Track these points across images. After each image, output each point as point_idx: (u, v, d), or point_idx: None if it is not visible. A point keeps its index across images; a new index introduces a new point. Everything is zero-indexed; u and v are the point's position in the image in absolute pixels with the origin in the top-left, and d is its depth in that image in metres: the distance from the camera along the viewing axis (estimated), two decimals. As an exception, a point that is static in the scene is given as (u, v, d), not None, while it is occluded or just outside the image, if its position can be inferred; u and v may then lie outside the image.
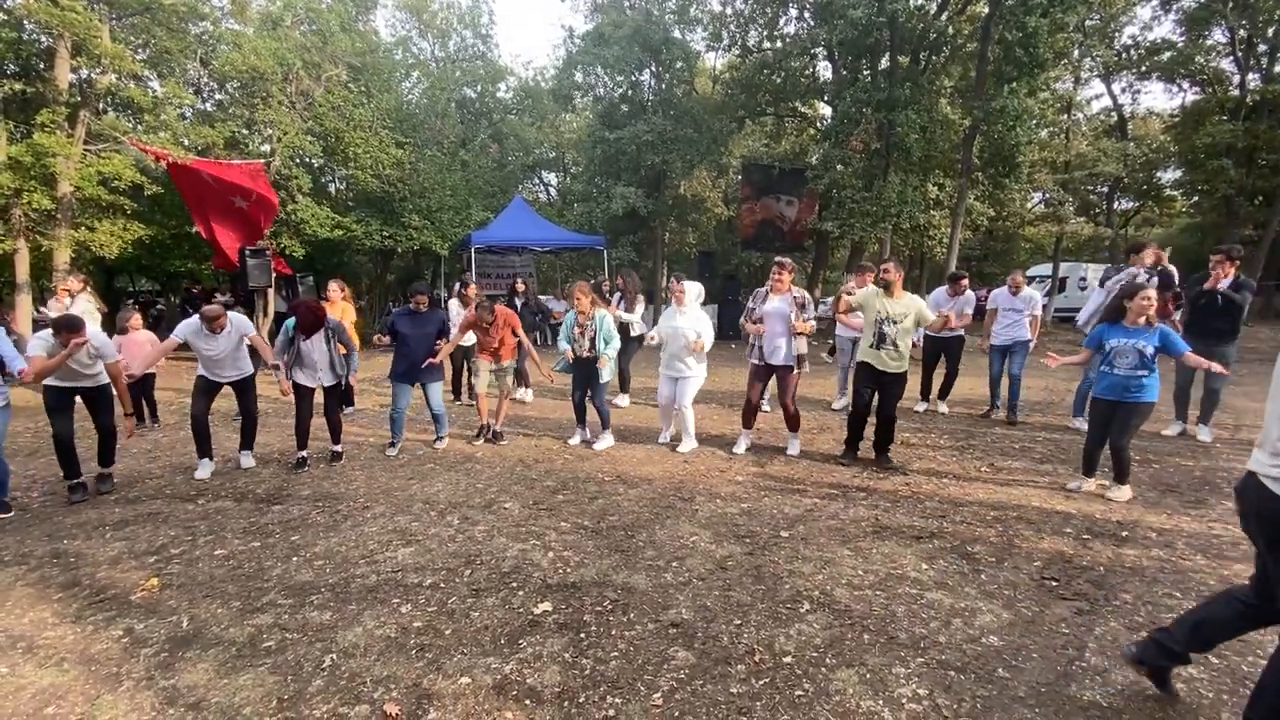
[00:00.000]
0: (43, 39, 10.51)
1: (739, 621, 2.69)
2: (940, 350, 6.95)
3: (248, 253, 9.75)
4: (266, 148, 12.67)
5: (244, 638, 2.61)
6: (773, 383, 5.34)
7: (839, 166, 13.23)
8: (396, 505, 4.15)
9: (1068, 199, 18.89)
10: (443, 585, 3.04)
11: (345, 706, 2.18)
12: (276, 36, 12.44)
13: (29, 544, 3.59)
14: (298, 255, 13.36)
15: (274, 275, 10.77)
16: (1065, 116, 19.01)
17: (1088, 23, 15.27)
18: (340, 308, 6.76)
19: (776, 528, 3.70)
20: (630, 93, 16.90)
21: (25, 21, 10.10)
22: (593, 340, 5.32)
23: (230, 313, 4.85)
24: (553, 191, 27.71)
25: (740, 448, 5.37)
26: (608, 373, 5.36)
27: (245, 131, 13.22)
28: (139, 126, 11.46)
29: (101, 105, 11.64)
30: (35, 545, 3.57)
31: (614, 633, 2.61)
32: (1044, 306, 17.60)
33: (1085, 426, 5.40)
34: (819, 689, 2.25)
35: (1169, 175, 20.51)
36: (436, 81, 19.96)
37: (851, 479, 4.64)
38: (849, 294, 5.41)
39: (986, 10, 11.91)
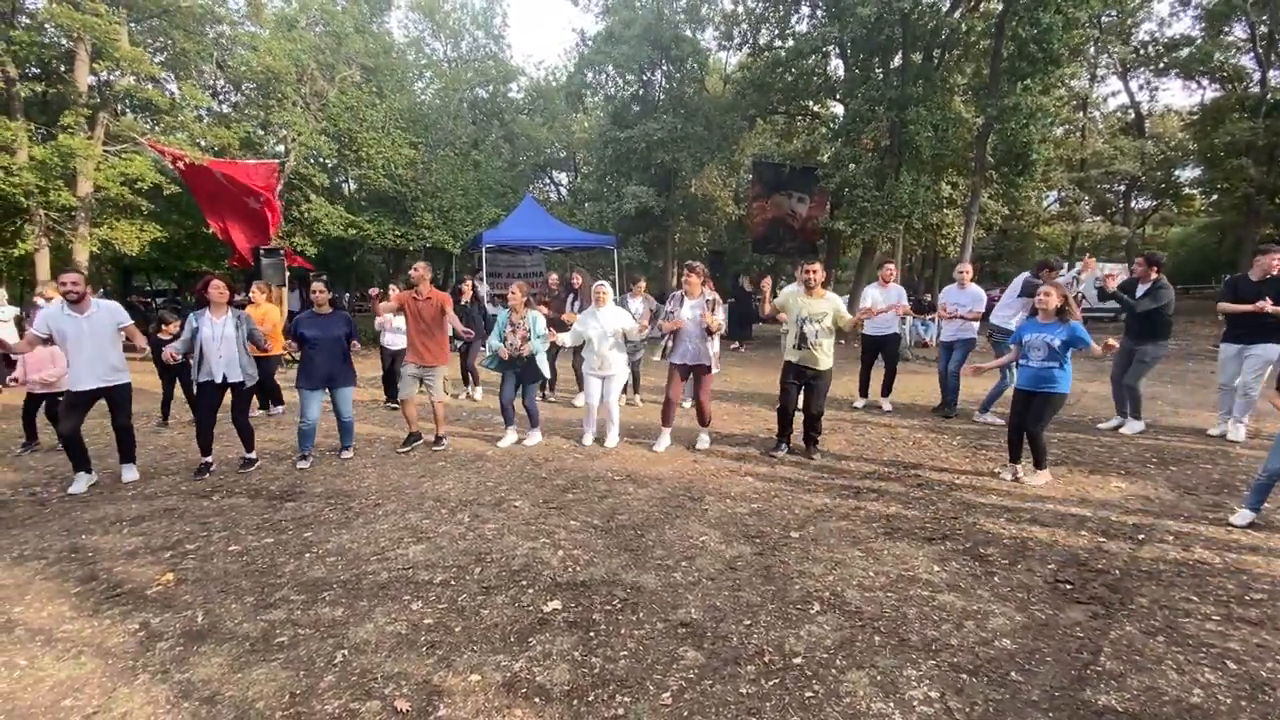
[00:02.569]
0: (63, 42, 10.69)
1: (749, 622, 2.68)
2: (877, 347, 7.06)
3: (262, 252, 9.86)
4: (281, 148, 12.81)
5: (257, 633, 2.64)
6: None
7: (850, 165, 13.14)
8: (408, 503, 4.18)
9: (1084, 197, 18.73)
10: (453, 583, 3.05)
11: (356, 702, 2.20)
12: (292, 38, 12.58)
13: (47, 539, 3.65)
14: (310, 254, 13.49)
15: (289, 273, 10.90)
16: (1081, 114, 18.82)
17: (1104, 19, 15.08)
18: (263, 310, 6.55)
19: (786, 528, 3.69)
20: (641, 92, 16.91)
21: (46, 25, 10.28)
22: (524, 340, 5.32)
23: (104, 301, 4.58)
24: (563, 191, 27.79)
25: (660, 445, 5.43)
26: (543, 363, 5.44)
27: (261, 132, 13.38)
28: (156, 127, 11.62)
29: (120, 107, 11.82)
30: (54, 540, 3.63)
31: (623, 632, 2.61)
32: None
33: (990, 420, 6.24)
34: (829, 690, 2.24)
35: (1187, 173, 20.24)
36: (449, 82, 20.09)
37: (862, 480, 4.61)
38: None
39: (1000, 6, 11.78)
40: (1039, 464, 4.47)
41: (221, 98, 14.73)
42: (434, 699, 2.21)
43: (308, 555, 3.38)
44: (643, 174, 16.29)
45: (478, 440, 5.79)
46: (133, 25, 10.91)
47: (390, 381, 7.30)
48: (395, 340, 6.90)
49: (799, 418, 5.30)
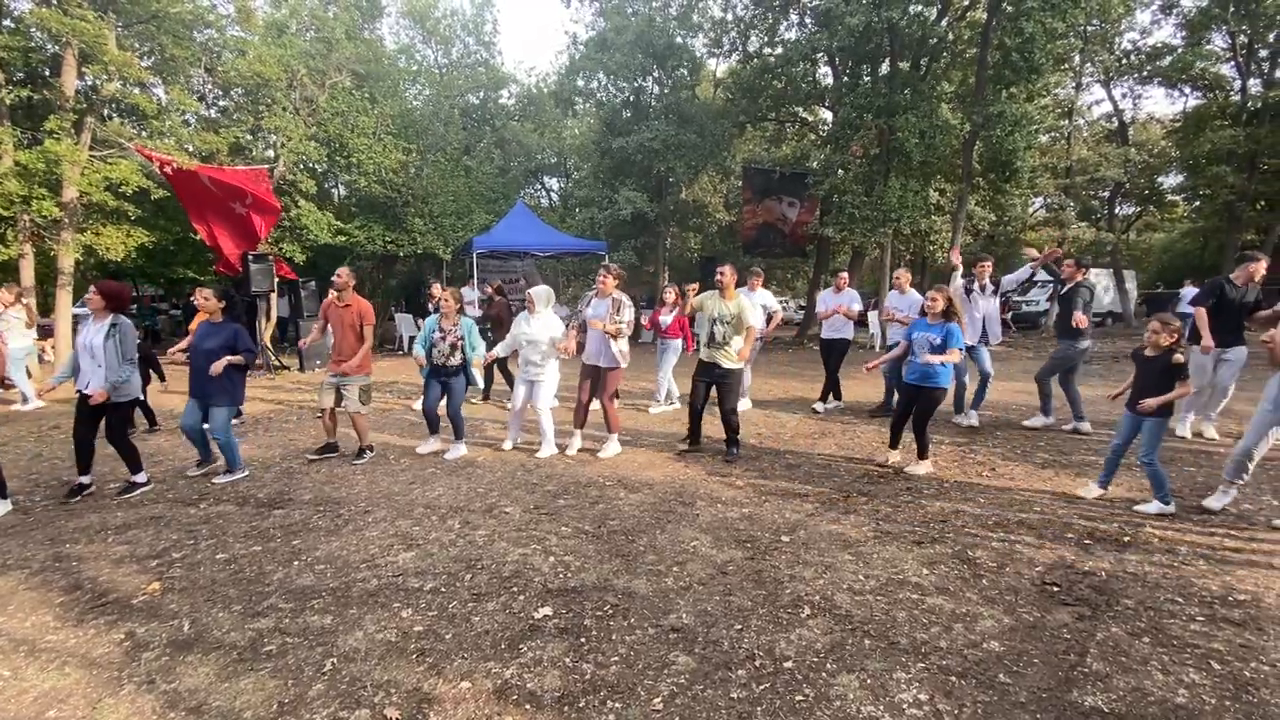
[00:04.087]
0: (50, 46, 10.61)
1: (740, 626, 2.69)
2: (831, 349, 7.29)
3: (250, 258, 9.79)
4: (271, 154, 12.75)
5: (245, 641, 2.61)
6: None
7: (840, 171, 13.27)
8: (398, 510, 4.16)
9: (1069, 204, 18.93)
10: (443, 590, 3.04)
11: (345, 710, 2.18)
12: (282, 44, 12.55)
13: (31, 548, 3.60)
14: (299, 261, 13.41)
15: (277, 279, 10.83)
16: (1066, 121, 19.07)
17: (1087, 28, 15.33)
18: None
19: (777, 532, 3.70)
20: (634, 98, 16.97)
21: (33, 29, 10.20)
22: (453, 347, 5.24)
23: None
24: (554, 197, 27.80)
25: (572, 448, 5.44)
26: (477, 375, 5.41)
27: (250, 138, 13.30)
28: (144, 132, 11.53)
29: (107, 111, 11.73)
30: (37, 549, 3.58)
31: (614, 637, 2.61)
32: (1047, 311, 17.78)
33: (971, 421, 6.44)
34: (820, 694, 2.25)
35: (1170, 180, 20.54)
36: (441, 88, 20.08)
37: (852, 483, 4.64)
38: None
39: (985, 16, 11.95)
40: (921, 454, 4.87)
41: (210, 103, 14.64)
42: (424, 707, 2.20)
43: (296, 563, 3.36)
44: (636, 180, 16.35)
45: (469, 446, 5.76)
46: (121, 30, 10.83)
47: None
48: None
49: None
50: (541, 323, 5.38)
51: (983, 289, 6.43)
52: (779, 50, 14.84)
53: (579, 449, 5.48)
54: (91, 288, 4.42)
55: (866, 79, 13.40)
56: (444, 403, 5.43)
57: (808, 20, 15.09)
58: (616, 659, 2.46)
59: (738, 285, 5.44)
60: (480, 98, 22.31)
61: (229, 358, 4.64)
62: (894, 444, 5.09)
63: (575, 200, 19.17)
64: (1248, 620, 2.69)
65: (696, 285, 5.85)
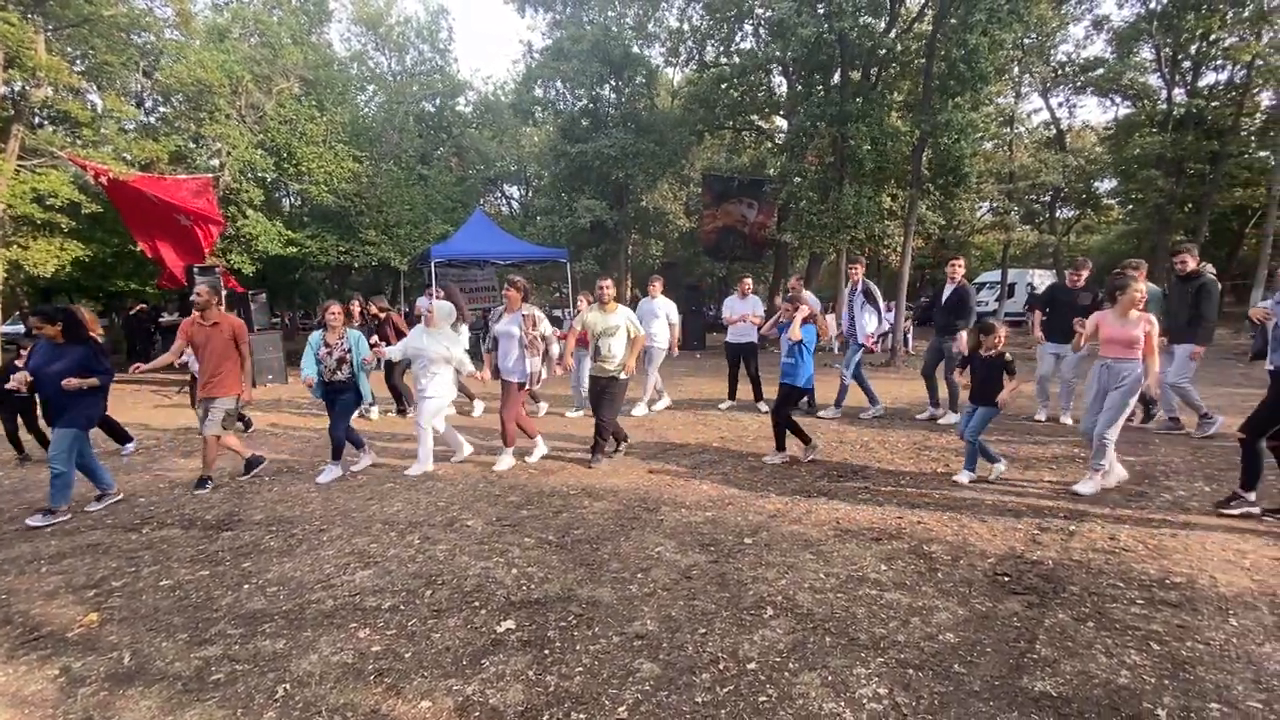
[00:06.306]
0: (-30, 51, 10.04)
1: (704, 630, 2.69)
2: (738, 354, 7.54)
3: (196, 270, 9.43)
4: (215, 162, 12.31)
5: (190, 671, 2.50)
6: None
7: (796, 179, 13.52)
8: (354, 527, 4.04)
9: (1013, 208, 19.70)
10: (403, 607, 2.96)
11: (299, 738, 2.10)
12: (224, 49, 12.16)
13: (-46, 582, 3.37)
14: (248, 272, 12.97)
15: (225, 293, 10.44)
16: (1008, 129, 19.86)
17: (1026, 41, 16.03)
18: None
19: (741, 534, 3.73)
20: (592, 106, 17.00)
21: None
22: (340, 362, 5.04)
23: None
24: (515, 205, 27.61)
25: (500, 465, 5.29)
26: (364, 385, 5.19)
27: (193, 146, 12.83)
28: (77, 141, 11.00)
29: (37, 119, 11.16)
30: (-39, 583, 3.36)
31: (578, 648, 2.59)
32: (994, 311, 18.49)
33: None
34: (782, 693, 2.27)
35: (1105, 185, 21.59)
36: (393, 95, 19.76)
37: (813, 483, 4.71)
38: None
39: (931, 28, 12.38)
40: (780, 446, 5.30)
41: (148, 109, 14.06)
42: (382, 729, 2.14)
43: (246, 586, 3.23)
44: (595, 188, 16.36)
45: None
46: (50, 33, 10.33)
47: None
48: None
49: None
50: (435, 338, 5.17)
51: (852, 294, 7.06)
52: (735, 60, 15.08)
53: (507, 466, 5.29)
54: None
55: (819, 88, 13.71)
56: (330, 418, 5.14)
57: (762, 31, 15.38)
58: (581, 669, 2.44)
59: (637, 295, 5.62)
60: (436, 105, 22.02)
61: (84, 381, 4.27)
62: (781, 446, 5.34)
63: (535, 208, 19.08)
64: (1183, 602, 2.83)
65: (583, 299, 5.95)
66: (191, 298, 4.97)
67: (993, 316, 7.57)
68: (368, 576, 3.30)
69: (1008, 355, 4.53)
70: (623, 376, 5.28)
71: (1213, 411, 5.67)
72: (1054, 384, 6.57)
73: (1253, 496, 3.79)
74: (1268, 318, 4.00)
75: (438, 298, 7.17)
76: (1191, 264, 5.54)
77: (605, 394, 5.29)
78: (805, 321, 5.17)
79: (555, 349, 5.39)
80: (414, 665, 2.50)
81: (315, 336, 5.12)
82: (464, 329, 6.83)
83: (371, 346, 5.40)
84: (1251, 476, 3.77)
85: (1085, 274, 6.24)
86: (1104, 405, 4.22)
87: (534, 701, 2.25)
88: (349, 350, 5.07)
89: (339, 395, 5.13)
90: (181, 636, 2.76)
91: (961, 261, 6.87)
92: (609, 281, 5.40)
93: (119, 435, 6.28)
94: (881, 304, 7.15)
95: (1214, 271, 5.78)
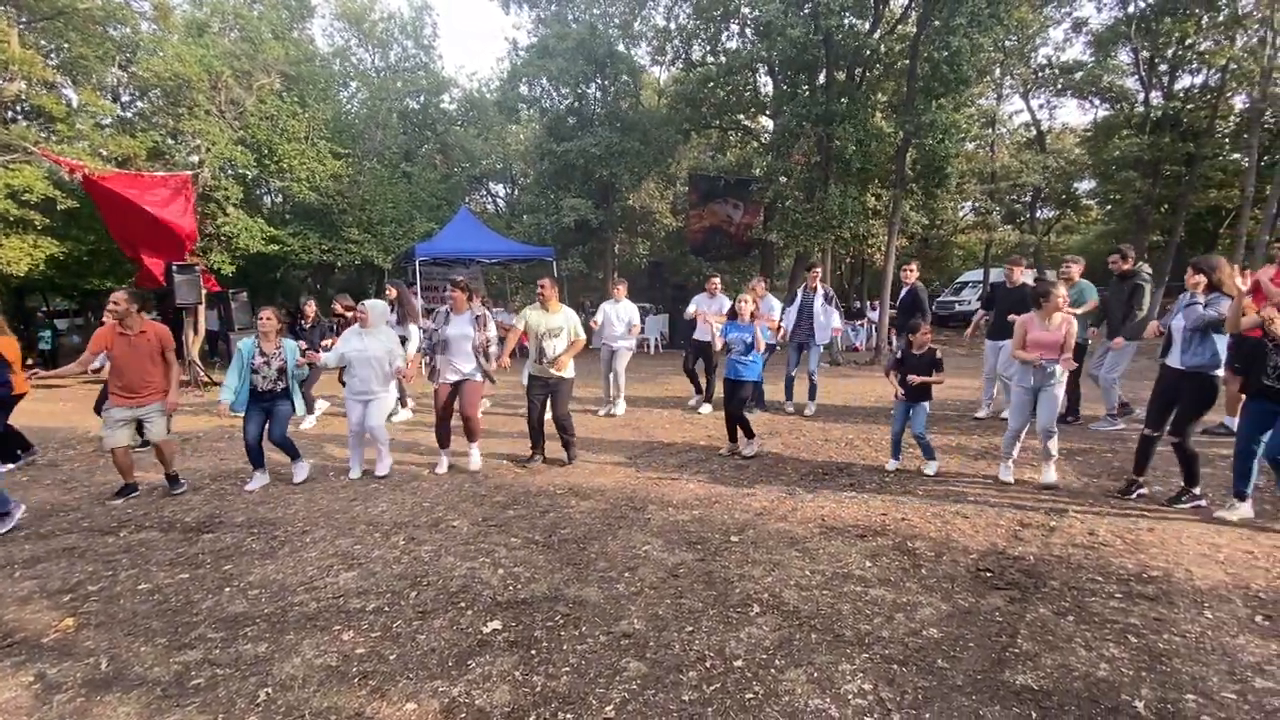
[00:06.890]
0: (-61, 43, 9.79)
1: (690, 628, 2.70)
2: (699, 351, 7.59)
3: (175, 268, 9.27)
4: (194, 159, 12.11)
5: (170, 676, 2.45)
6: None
7: (782, 178, 13.58)
8: (338, 528, 4.00)
9: (995, 208, 19.93)
10: (387, 609, 2.94)
11: (282, 742, 2.08)
12: (203, 43, 11.95)
13: (-77, 588, 3.29)
14: (228, 271, 12.77)
15: (204, 292, 10.27)
16: (990, 130, 20.10)
17: (1007, 43, 16.23)
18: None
19: (727, 533, 3.74)
20: (577, 105, 16.93)
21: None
22: (280, 371, 4.81)
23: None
24: (500, 203, 27.44)
25: (439, 467, 5.25)
26: (296, 395, 4.96)
27: (171, 141, 12.61)
28: (51, 136, 10.77)
29: (10, 114, 10.91)
30: (-69, 589, 3.27)
31: (565, 647, 2.58)
32: (977, 310, 18.72)
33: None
34: (769, 690, 2.28)
35: (1084, 185, 21.94)
36: (377, 92, 19.55)
37: (799, 481, 4.74)
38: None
39: (915, 30, 12.49)
40: (748, 436, 5.44)
41: (125, 104, 13.79)
42: (367, 732, 2.12)
43: (227, 589, 3.18)
44: (581, 186, 16.29)
45: (411, 460, 5.60)
46: (23, 27, 10.10)
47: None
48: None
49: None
50: (376, 338, 5.07)
51: (813, 295, 7.20)
52: (721, 59, 15.09)
53: (444, 469, 5.22)
54: None
55: (805, 88, 13.77)
56: (268, 429, 4.89)
57: (749, 31, 15.41)
58: (568, 669, 2.43)
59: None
60: (420, 102, 21.80)
61: None
62: (732, 437, 5.54)
63: (521, 206, 18.97)
64: (1160, 595, 2.89)
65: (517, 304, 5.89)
66: (108, 305, 4.57)
67: (974, 315, 7.66)
68: (352, 578, 3.27)
69: (938, 353, 4.81)
70: (568, 375, 5.28)
71: (1128, 408, 6.04)
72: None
73: (1198, 490, 4.03)
74: (1160, 334, 4.24)
75: (388, 296, 7.00)
76: (1125, 264, 5.79)
77: (555, 394, 5.26)
78: (752, 320, 5.38)
79: (494, 349, 5.26)
80: (399, 667, 2.48)
81: (246, 345, 4.76)
82: (413, 328, 6.74)
83: (304, 352, 5.25)
84: (1191, 474, 4.03)
85: (1019, 271, 6.41)
86: (1039, 402, 4.47)
87: (521, 702, 2.25)
88: (286, 360, 4.84)
89: (277, 404, 4.86)
90: (160, 641, 2.72)
91: (915, 265, 7.45)
92: (548, 281, 5.33)
93: (9, 452, 5.64)
94: (838, 305, 7.42)
95: (1150, 272, 6.02)
